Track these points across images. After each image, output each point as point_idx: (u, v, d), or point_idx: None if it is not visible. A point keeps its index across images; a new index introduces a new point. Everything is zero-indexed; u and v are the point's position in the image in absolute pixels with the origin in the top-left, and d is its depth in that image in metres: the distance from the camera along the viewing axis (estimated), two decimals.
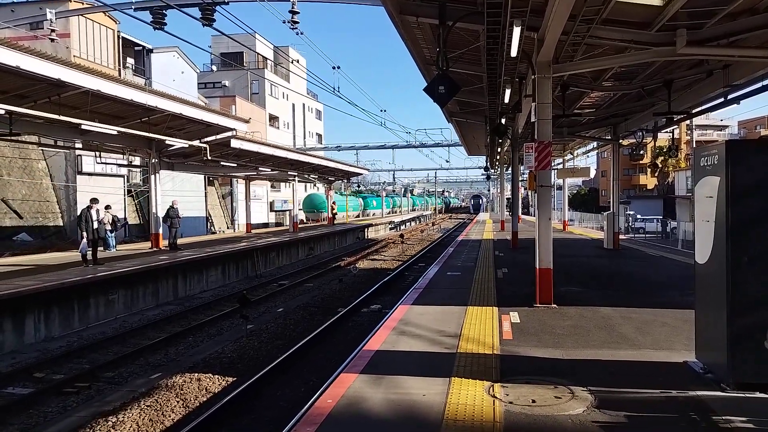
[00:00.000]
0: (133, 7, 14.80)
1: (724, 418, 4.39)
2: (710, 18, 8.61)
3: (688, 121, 29.08)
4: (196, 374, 8.65)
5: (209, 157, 19.72)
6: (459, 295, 10.25)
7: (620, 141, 20.42)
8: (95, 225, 14.60)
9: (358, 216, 57.30)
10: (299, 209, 48.29)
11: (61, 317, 11.95)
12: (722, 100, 12.55)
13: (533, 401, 4.82)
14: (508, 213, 32.74)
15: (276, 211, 48.30)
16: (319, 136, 66.31)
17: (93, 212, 14.56)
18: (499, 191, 46.03)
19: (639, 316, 8.18)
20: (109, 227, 18.63)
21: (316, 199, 49.91)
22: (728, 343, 4.83)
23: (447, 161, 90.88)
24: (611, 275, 13.20)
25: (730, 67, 11.17)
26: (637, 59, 9.94)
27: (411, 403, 4.87)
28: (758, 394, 4.81)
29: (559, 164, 33.86)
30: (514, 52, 9.19)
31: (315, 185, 51.01)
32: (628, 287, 11.18)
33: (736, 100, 12.16)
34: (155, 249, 19.79)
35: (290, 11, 14.49)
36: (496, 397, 4.94)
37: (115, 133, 15.46)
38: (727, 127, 72.33)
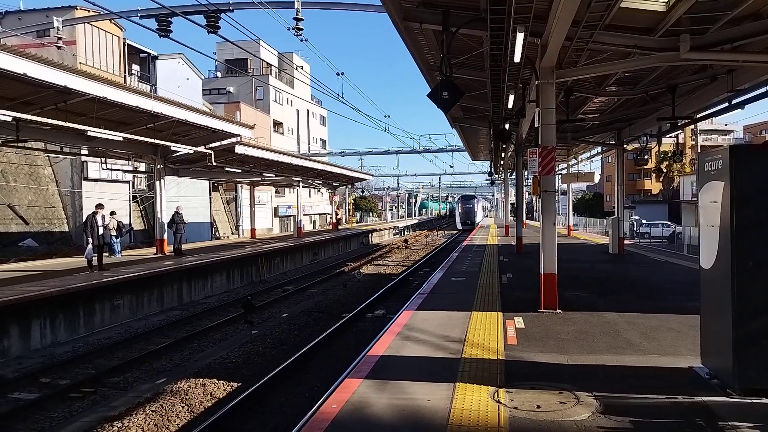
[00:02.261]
0: (139, 14, 14.89)
1: (729, 423, 4.37)
2: (714, 23, 8.62)
3: (692, 126, 29.03)
4: (201, 379, 8.67)
5: (214, 163, 19.82)
6: (463, 300, 10.25)
7: (624, 146, 20.40)
8: (101, 231, 14.66)
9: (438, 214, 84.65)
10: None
11: (67, 323, 11.99)
12: (726, 104, 12.53)
13: (538, 406, 4.82)
14: (512, 218, 32.66)
15: (280, 217, 48.38)
16: (324, 141, 66.47)
17: (98, 218, 14.62)
18: (503, 196, 45.97)
19: (644, 322, 8.16)
20: (114, 233, 18.70)
21: (428, 204, 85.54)
22: (734, 349, 4.82)
23: (451, 166, 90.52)
24: (616, 280, 13.16)
25: (734, 72, 11.17)
26: (641, 64, 9.95)
27: (416, 408, 4.87)
28: (764, 400, 4.79)
29: (563, 169, 33.82)
30: (517, 58, 9.22)
31: (319, 191, 51.10)
32: (633, 292, 11.14)
33: (741, 105, 12.13)
34: (160, 254, 19.85)
35: (294, 18, 14.54)
36: (501, 403, 4.93)
37: (120, 139, 15.55)
38: (732, 131, 72.03)
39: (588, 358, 6.33)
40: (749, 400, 4.81)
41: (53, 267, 16.12)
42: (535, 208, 59.81)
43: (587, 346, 6.89)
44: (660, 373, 5.73)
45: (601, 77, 12.74)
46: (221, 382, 8.66)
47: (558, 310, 8.99)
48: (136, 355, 10.63)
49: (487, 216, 77.31)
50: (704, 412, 4.63)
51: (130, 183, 29.04)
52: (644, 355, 6.40)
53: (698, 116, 14.72)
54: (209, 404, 7.84)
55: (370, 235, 41.89)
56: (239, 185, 38.55)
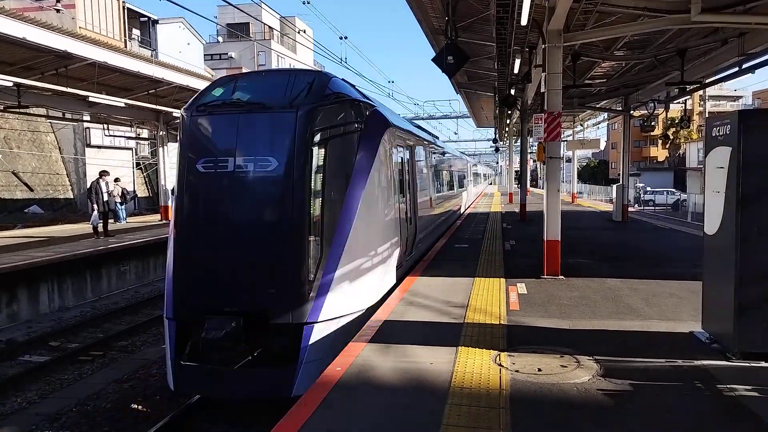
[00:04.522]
0: None
1: (728, 386, 4.43)
2: None
3: (701, 92, 28.59)
4: None
5: None
6: (467, 266, 10.29)
7: (631, 112, 20.14)
8: (105, 197, 14.71)
9: None
10: None
11: (74, 288, 12.15)
12: (737, 69, 12.31)
13: (539, 370, 4.89)
14: (516, 185, 32.56)
15: None
16: None
17: (103, 184, 14.65)
18: (507, 163, 45.77)
19: (646, 288, 8.20)
20: (119, 199, 18.78)
21: None
22: (735, 314, 4.85)
23: (455, 133, 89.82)
24: (619, 247, 13.18)
25: (745, 36, 10.92)
26: (650, 27, 9.72)
27: (419, 371, 4.95)
28: (763, 364, 4.85)
29: (568, 136, 33.53)
30: (524, 21, 9.02)
31: None
32: (636, 259, 11.17)
33: (751, 70, 11.93)
34: (165, 221, 19.94)
35: None
36: (503, 366, 5.01)
37: (122, 105, 15.45)
38: (741, 97, 70.96)
39: (589, 323, 6.39)
40: (748, 364, 4.87)
41: (59, 233, 16.23)
42: (539, 176, 59.59)
43: (589, 311, 6.95)
44: (661, 338, 5.79)
45: (609, 41, 12.49)
46: None
47: (560, 277, 9.04)
48: (143, 319, 10.80)
49: (491, 184, 73.79)
50: (704, 376, 4.69)
51: (133, 150, 28.96)
52: (645, 320, 6.46)
53: (707, 81, 14.47)
54: None
55: None
56: None
